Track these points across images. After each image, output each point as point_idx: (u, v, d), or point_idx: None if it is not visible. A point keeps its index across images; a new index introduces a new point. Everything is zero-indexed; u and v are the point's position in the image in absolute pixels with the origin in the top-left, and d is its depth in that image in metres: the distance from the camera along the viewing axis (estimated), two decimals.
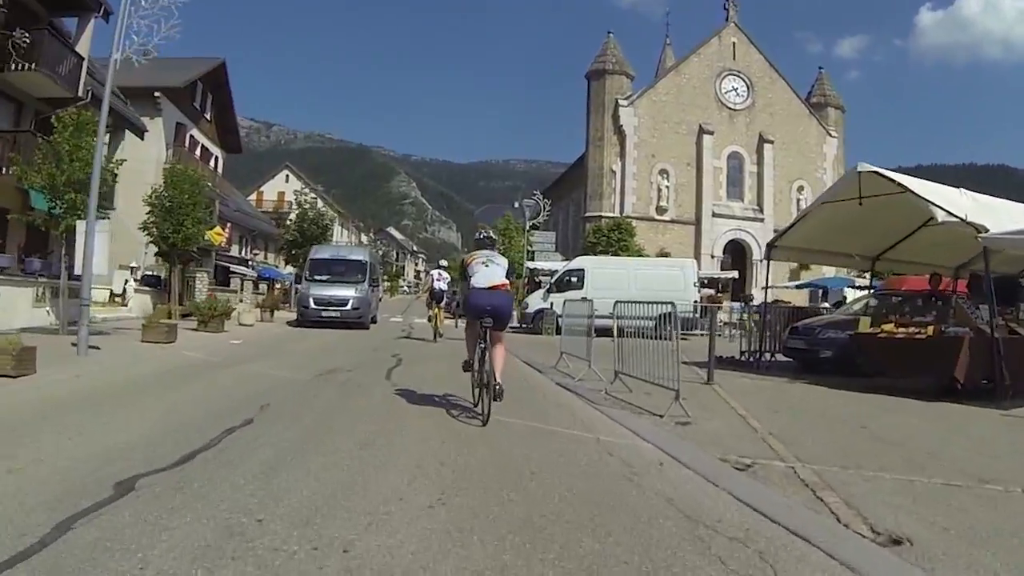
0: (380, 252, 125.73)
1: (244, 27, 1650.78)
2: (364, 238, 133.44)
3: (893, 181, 14.55)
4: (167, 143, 45.52)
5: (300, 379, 12.75)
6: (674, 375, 10.56)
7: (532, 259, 42.89)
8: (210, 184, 52.62)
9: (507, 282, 10.02)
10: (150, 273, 36.95)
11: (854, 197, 15.57)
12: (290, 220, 53.87)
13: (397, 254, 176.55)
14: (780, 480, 6.66)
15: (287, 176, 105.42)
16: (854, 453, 7.97)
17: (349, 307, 29.51)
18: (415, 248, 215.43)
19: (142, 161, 37.96)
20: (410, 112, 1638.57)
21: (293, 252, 51.55)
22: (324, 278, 30.92)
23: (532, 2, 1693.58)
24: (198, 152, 52.85)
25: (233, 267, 61.91)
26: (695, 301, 31.88)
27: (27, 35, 24.49)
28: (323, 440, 7.63)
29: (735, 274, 55.08)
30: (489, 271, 9.79)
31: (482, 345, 9.47)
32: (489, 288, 9.67)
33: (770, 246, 19.42)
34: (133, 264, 34.22)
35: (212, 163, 56.20)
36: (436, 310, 24.87)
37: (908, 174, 15.49)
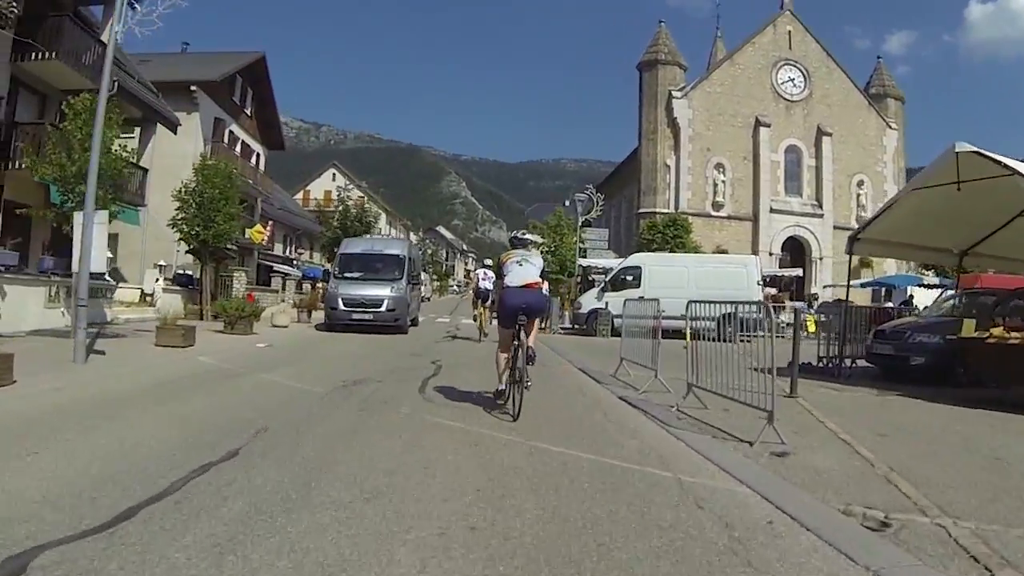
0: (429, 252, 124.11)
1: (292, 27, 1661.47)
2: (413, 237, 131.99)
3: (998, 163, 12.89)
4: (205, 138, 44.23)
5: (317, 392, 11.02)
6: (761, 389, 8.81)
7: (584, 256, 40.93)
8: (250, 180, 51.65)
9: (540, 280, 10.14)
10: (182, 272, 35.33)
11: (951, 181, 13.74)
12: (332, 218, 51.52)
13: (447, 253, 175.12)
14: (935, 548, 4.80)
15: (334, 175, 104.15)
16: (1009, 500, 6.12)
17: (383, 308, 25.88)
18: (465, 247, 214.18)
19: (179, 157, 36.99)
20: (459, 111, 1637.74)
21: (335, 250, 49.22)
22: (356, 275, 27.42)
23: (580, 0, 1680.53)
24: (238, 148, 51.76)
25: (276, 266, 60.65)
26: (759, 301, 29.94)
27: (14, 4, 22.72)
28: (319, 486, 5.77)
29: (799, 272, 52.58)
30: (523, 270, 9.95)
31: (516, 343, 9.64)
32: (523, 287, 9.85)
33: (853, 239, 17.39)
34: (162, 262, 32.64)
35: (253, 160, 55.28)
36: (481, 309, 24.97)
37: None
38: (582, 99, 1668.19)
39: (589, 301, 31.71)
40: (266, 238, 52.67)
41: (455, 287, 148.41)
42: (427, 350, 20.07)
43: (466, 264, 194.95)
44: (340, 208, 49.03)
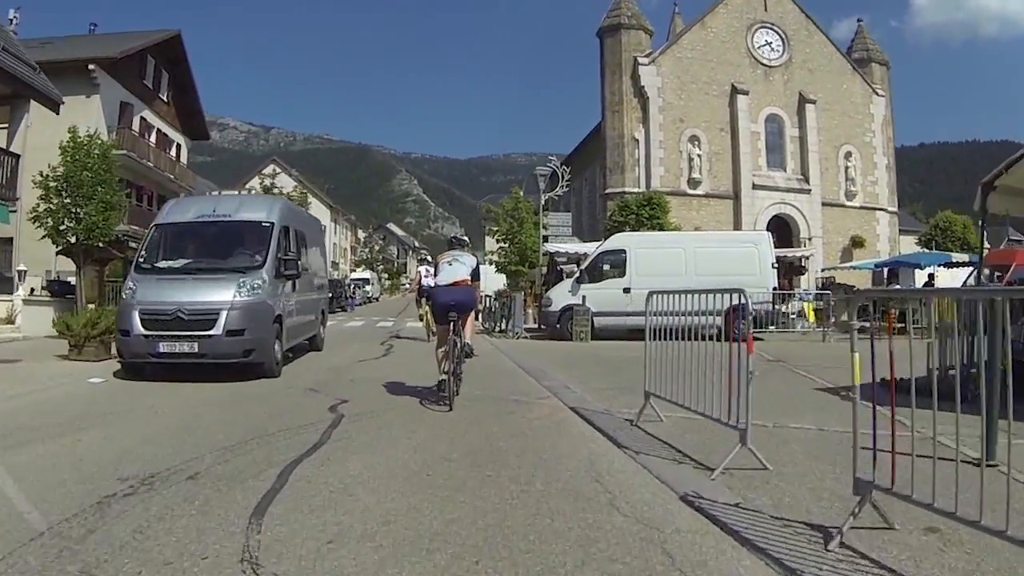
0: (376, 248, 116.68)
1: (238, 31, 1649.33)
2: (361, 234, 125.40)
3: None
4: (109, 125, 38.44)
5: (26, 530, 4.92)
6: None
7: (547, 242, 34.43)
8: (169, 174, 45.73)
9: (468, 279, 10.58)
10: (55, 279, 28.74)
11: None
12: None
13: (398, 251, 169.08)
14: None
15: (275, 171, 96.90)
16: None
17: (218, 330, 13.01)
18: (417, 244, 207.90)
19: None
20: (408, 109, 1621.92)
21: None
22: (176, 265, 14.63)
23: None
24: (153, 137, 45.92)
25: None
26: (773, 288, 23.95)
27: None
28: None
29: (811, 252, 44.93)
30: (453, 269, 10.53)
31: (454, 339, 10.15)
32: (451, 284, 10.44)
33: (987, 187, 11.08)
34: (21, 267, 26.05)
35: (173, 151, 49.42)
36: (427, 307, 19.63)
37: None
38: (529, 93, 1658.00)
39: (561, 296, 24.97)
40: None
41: (407, 285, 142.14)
42: (337, 378, 13.68)
43: (418, 261, 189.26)
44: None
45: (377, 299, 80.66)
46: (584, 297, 23.53)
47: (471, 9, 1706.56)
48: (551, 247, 32.24)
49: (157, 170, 44.28)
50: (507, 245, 39.83)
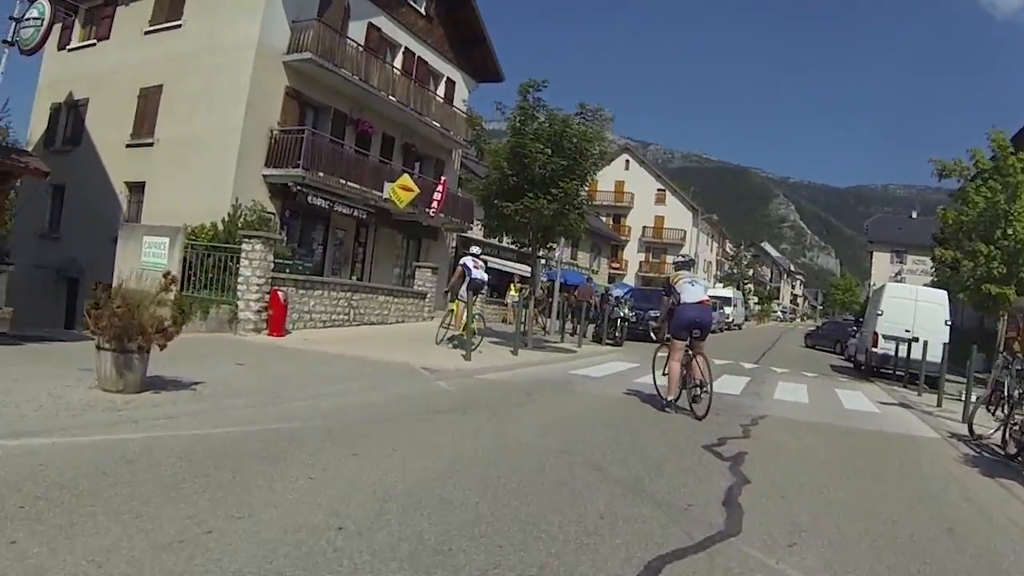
0: (744, 262, 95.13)
1: (623, 48, 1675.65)
2: (730, 248, 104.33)
3: None
4: (294, 22, 23.89)
5: None
6: None
7: None
8: (431, 121, 30.21)
9: (708, 298, 11.24)
10: None
11: None
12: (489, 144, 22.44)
13: (772, 273, 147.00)
14: None
15: (627, 162, 78.10)
16: None
17: None
18: (792, 268, 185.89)
19: (219, 49, 22.91)
20: (786, 132, 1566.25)
21: (496, 204, 19.38)
22: None
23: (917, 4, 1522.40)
24: (398, 59, 28.42)
25: (494, 261, 37.50)
26: None
27: None
28: None
29: None
30: (696, 289, 10.98)
31: (690, 352, 10.70)
32: (697, 303, 10.88)
33: None
34: None
35: (441, 88, 32.51)
36: (454, 306, 18.24)
37: None
38: (911, 120, 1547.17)
39: None
40: (438, 202, 28.31)
41: (778, 313, 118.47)
42: None
43: (792, 287, 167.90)
44: (518, 111, 18.55)
45: (740, 326, 57.83)
46: None
47: (854, 23, 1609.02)
48: None
49: (395, 103, 26.88)
50: (977, 244, 17.71)
